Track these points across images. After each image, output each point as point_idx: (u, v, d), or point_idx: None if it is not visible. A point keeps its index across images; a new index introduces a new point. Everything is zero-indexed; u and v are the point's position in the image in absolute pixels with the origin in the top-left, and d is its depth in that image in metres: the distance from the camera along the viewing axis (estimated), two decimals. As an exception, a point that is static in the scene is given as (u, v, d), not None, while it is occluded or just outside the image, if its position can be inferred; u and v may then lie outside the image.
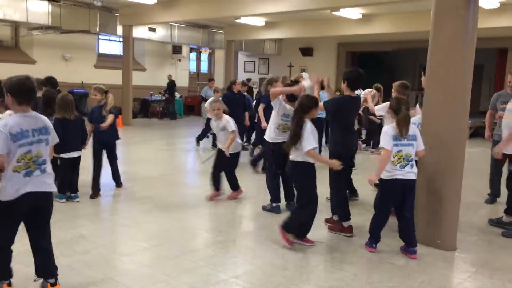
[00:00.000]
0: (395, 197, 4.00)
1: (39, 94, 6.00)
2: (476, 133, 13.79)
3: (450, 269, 3.88)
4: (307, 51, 18.54)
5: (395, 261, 3.85)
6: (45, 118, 3.08)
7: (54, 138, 3.13)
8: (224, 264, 3.77)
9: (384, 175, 3.97)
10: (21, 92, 2.88)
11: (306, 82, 5.24)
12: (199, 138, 10.64)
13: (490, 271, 3.79)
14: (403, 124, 3.87)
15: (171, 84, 17.49)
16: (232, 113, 8.38)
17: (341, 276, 3.57)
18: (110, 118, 5.72)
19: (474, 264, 3.94)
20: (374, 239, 4.11)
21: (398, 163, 3.90)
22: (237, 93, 9.19)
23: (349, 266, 3.75)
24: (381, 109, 5.35)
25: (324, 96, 8.85)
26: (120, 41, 16.40)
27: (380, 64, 19.44)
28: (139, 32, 15.33)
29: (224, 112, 5.78)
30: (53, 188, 3.07)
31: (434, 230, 4.19)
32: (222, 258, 3.91)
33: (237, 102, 8.95)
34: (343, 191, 4.67)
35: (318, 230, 4.71)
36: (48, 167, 3.04)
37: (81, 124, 5.46)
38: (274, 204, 5.31)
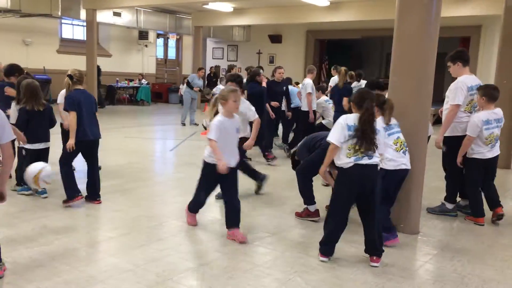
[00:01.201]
0: (394, 186, 4.08)
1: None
2: (439, 119, 14.15)
3: (413, 252, 4.00)
4: (276, 38, 18.52)
5: (359, 245, 3.92)
6: None
7: (5, 134, 2.72)
8: (191, 252, 3.75)
9: (389, 165, 3.92)
10: None
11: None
12: None
13: (451, 253, 3.93)
14: (391, 112, 3.92)
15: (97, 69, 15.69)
16: (260, 109, 6.94)
17: (307, 261, 3.62)
18: (69, 116, 4.71)
19: (435, 247, 4.07)
20: (392, 229, 4.03)
21: (401, 149, 3.96)
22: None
23: (315, 251, 3.80)
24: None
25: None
26: (83, 26, 15.91)
27: (348, 52, 19.64)
28: (104, 16, 14.93)
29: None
30: None
31: (398, 214, 4.29)
32: (189, 246, 3.90)
33: (263, 97, 7.49)
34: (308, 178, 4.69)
35: (285, 220, 4.75)
36: None
37: (49, 113, 5.14)
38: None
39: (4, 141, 2.73)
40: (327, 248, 3.63)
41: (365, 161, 3.46)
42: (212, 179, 4.09)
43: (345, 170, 3.51)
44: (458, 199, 5.11)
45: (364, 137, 3.41)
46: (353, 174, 3.48)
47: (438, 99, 15.29)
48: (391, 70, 4.35)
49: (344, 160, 3.49)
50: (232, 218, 4.03)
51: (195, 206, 4.34)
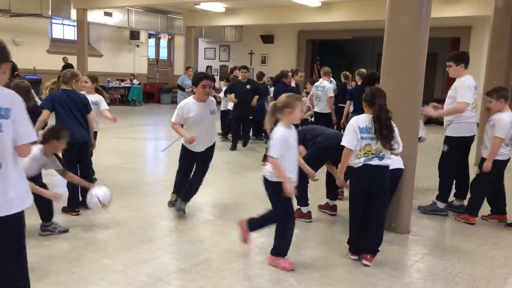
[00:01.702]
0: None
1: None
2: (430, 120, 14.25)
3: (404, 251, 4.02)
4: (268, 39, 18.53)
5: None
6: (13, 96, 2.22)
7: (20, 132, 2.20)
8: (182, 253, 3.74)
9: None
10: None
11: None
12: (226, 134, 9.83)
13: (441, 252, 3.95)
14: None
15: (68, 68, 15.40)
16: None
17: (299, 260, 3.62)
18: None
19: (426, 246, 4.10)
20: None
21: None
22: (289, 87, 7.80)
23: (307, 251, 3.81)
24: None
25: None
26: (74, 26, 15.81)
27: (340, 52, 19.70)
28: (95, 16, 14.85)
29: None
30: (19, 205, 2.28)
31: (389, 214, 4.30)
32: (180, 246, 3.88)
33: None
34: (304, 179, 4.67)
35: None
36: (12, 173, 2.20)
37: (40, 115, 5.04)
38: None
39: (22, 140, 2.26)
40: (354, 246, 3.66)
41: (375, 162, 3.50)
42: (289, 198, 3.45)
43: (354, 170, 3.55)
44: (452, 198, 5.13)
45: (382, 136, 3.44)
46: (361, 174, 3.52)
47: (429, 99, 15.38)
48: (382, 70, 4.37)
49: (354, 160, 3.54)
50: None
51: (284, 247, 3.52)
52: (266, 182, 3.48)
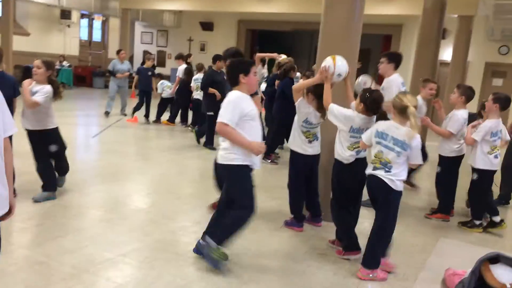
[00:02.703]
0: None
1: None
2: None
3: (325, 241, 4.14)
4: (207, 26, 18.30)
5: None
6: None
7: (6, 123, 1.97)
8: (111, 243, 3.61)
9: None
10: None
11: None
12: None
13: (364, 241, 4.11)
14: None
15: None
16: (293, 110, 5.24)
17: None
18: None
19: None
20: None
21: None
22: None
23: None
24: None
25: None
26: (-2, 0, 14.66)
27: (279, 44, 19.88)
28: (21, -9, 13.87)
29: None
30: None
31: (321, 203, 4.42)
32: (109, 236, 3.74)
33: None
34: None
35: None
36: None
37: None
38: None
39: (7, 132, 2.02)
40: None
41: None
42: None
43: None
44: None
45: None
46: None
47: (361, 93, 15.89)
48: (317, 63, 4.46)
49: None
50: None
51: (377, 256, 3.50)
52: (390, 191, 3.37)
